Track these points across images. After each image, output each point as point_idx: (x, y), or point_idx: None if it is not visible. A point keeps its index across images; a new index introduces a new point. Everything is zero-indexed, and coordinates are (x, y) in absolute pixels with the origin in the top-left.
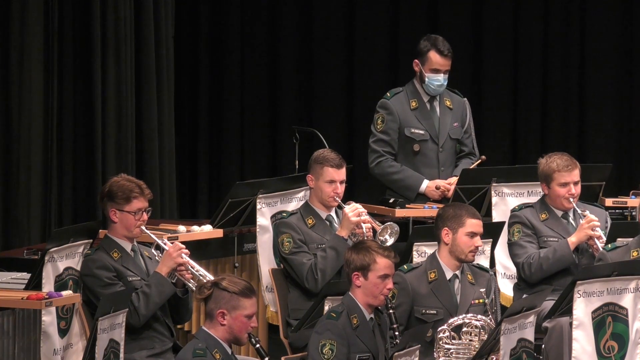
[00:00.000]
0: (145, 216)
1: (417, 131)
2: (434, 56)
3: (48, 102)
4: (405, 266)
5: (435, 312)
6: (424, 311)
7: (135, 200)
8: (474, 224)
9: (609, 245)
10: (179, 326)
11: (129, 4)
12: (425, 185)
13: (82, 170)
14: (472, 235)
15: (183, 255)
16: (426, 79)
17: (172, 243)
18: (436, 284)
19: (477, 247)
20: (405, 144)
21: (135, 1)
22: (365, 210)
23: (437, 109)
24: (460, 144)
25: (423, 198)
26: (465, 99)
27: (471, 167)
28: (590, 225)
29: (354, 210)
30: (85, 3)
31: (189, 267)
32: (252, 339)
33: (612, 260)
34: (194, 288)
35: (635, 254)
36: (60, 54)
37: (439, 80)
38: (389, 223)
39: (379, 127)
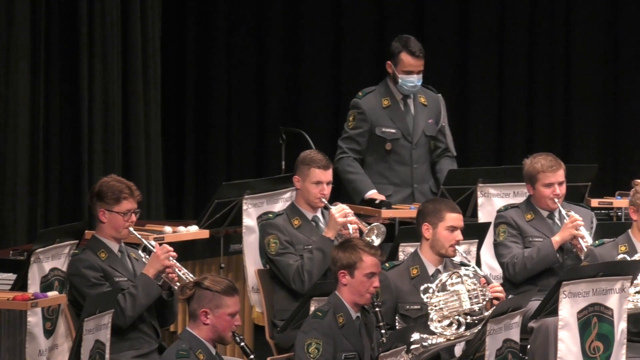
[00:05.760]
0: (134, 217)
1: (388, 130)
2: (405, 58)
3: (35, 102)
4: (387, 264)
5: (419, 307)
6: (408, 307)
7: (125, 201)
8: (453, 218)
9: (596, 242)
10: None
11: (115, 4)
12: (371, 193)
13: (69, 171)
14: (452, 229)
15: (170, 257)
16: (399, 80)
17: (159, 245)
18: (418, 279)
19: (457, 241)
20: (377, 143)
21: (122, 2)
22: (352, 211)
23: (412, 107)
24: (435, 141)
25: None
26: (440, 95)
27: None
28: (574, 224)
29: (341, 211)
30: (72, 3)
31: (176, 269)
32: (237, 338)
33: (600, 256)
34: None
35: (623, 248)
36: (47, 54)
37: (412, 81)
38: (375, 224)
39: (349, 125)
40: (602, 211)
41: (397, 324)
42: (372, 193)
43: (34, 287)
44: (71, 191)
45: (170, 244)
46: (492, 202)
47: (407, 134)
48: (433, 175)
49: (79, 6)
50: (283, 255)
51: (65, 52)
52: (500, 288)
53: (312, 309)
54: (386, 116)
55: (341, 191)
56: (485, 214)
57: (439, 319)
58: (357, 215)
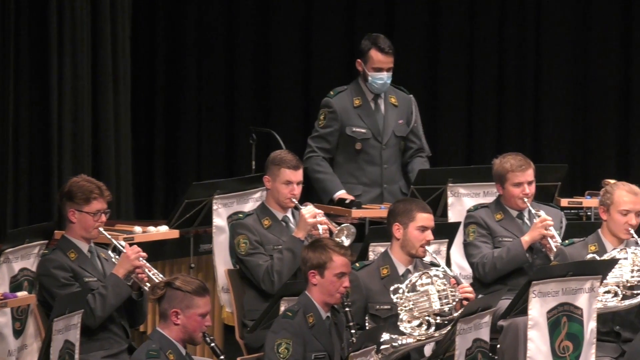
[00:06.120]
0: (103, 217)
1: (358, 130)
2: (375, 55)
3: (4, 102)
4: (357, 264)
5: (389, 307)
6: (378, 307)
7: (95, 202)
8: (424, 218)
9: (566, 241)
10: None
11: (85, 3)
12: (340, 193)
13: (38, 171)
14: (423, 229)
15: (140, 258)
16: (369, 78)
17: (129, 245)
18: (388, 279)
19: (428, 242)
20: (347, 143)
21: (92, 1)
22: (322, 212)
23: (382, 107)
24: (407, 141)
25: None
26: (412, 95)
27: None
28: (544, 224)
29: (311, 211)
30: (42, 2)
31: (146, 270)
32: (207, 338)
33: (570, 255)
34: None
35: (592, 248)
36: (16, 53)
37: (382, 78)
38: (345, 225)
39: (320, 123)
40: (572, 211)
41: (366, 324)
42: (341, 193)
43: (3, 287)
44: (41, 191)
45: (140, 244)
46: (462, 201)
47: (377, 134)
48: (405, 175)
49: (48, 5)
50: (253, 255)
51: (34, 52)
52: (470, 289)
53: (282, 309)
54: (357, 116)
55: (311, 191)
56: (455, 213)
57: (409, 320)
58: (327, 215)
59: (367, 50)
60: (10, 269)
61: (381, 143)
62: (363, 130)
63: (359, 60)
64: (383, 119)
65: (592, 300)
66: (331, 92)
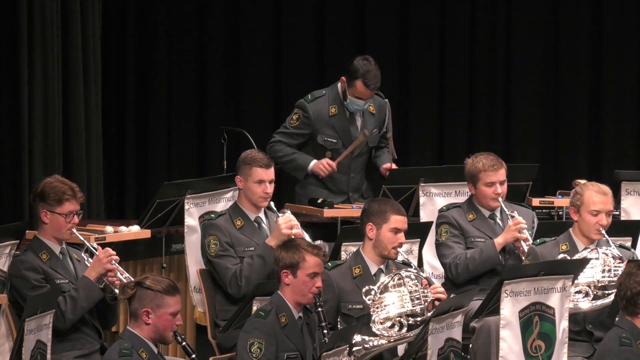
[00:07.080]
0: (76, 219)
1: (329, 140)
2: (360, 86)
3: None
4: (329, 263)
5: (361, 306)
6: (350, 307)
7: (67, 203)
8: (398, 220)
9: (538, 240)
10: None
11: (55, 2)
12: (312, 164)
13: (9, 171)
14: (396, 231)
15: (113, 261)
16: (348, 100)
17: (102, 247)
18: (361, 279)
19: (400, 244)
20: (317, 149)
21: (62, 1)
22: (298, 224)
23: (359, 117)
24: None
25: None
26: (387, 100)
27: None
28: (518, 227)
29: (287, 222)
30: (12, 1)
31: (118, 273)
32: (178, 337)
33: (542, 254)
34: None
35: (564, 247)
36: None
37: (359, 105)
38: (319, 242)
39: (292, 123)
40: (543, 210)
41: (338, 325)
42: (314, 164)
43: None
44: (11, 191)
45: (111, 244)
46: (433, 201)
47: (349, 144)
48: (367, 176)
49: (18, 4)
50: (222, 257)
51: (4, 51)
52: (442, 289)
53: (255, 308)
54: (331, 125)
55: (284, 192)
56: (427, 213)
57: (381, 321)
58: (299, 215)
59: (354, 78)
60: None
61: (352, 153)
62: (334, 140)
63: (343, 78)
64: (359, 131)
65: (564, 300)
66: (309, 96)
